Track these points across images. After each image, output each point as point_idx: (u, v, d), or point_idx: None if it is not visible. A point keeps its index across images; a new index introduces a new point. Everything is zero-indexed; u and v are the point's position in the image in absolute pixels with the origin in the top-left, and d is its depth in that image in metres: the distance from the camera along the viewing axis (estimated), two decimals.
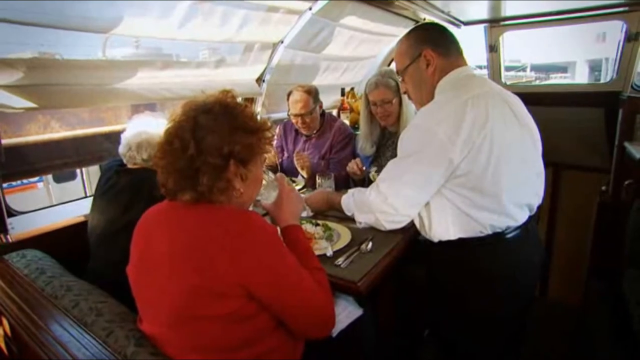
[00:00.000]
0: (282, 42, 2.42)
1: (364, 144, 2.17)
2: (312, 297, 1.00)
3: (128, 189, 1.37)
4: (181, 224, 0.97)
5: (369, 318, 1.45)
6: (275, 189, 1.29)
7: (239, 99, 2.53)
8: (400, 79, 1.46)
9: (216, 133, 0.96)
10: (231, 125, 0.99)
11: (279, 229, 1.23)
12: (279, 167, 2.50)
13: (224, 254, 0.90)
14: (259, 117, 2.65)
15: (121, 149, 1.47)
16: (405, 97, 2.00)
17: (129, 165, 1.47)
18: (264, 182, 1.24)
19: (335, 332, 1.30)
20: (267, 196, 1.29)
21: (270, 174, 1.30)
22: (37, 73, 1.52)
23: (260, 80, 2.55)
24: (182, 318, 0.92)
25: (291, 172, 2.37)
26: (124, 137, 1.47)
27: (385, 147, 2.15)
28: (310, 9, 2.27)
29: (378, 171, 2.02)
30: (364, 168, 2.08)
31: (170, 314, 0.93)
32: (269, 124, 1.08)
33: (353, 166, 2.07)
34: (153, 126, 1.46)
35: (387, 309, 1.67)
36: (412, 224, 1.41)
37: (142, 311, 1.03)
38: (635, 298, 1.62)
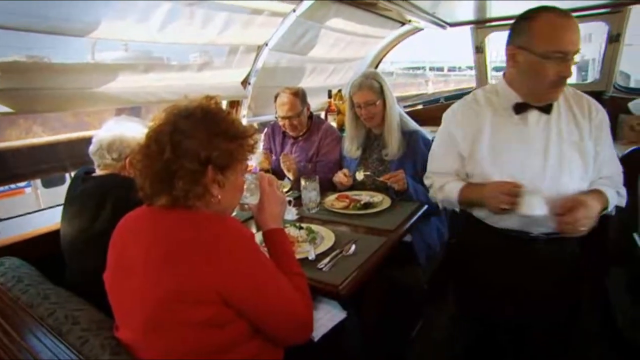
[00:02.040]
0: (266, 44, 2.41)
1: (350, 146, 2.17)
2: (289, 303, 0.99)
3: (93, 196, 1.34)
4: (157, 229, 0.96)
5: (353, 321, 1.44)
6: (256, 193, 1.26)
7: (225, 102, 2.57)
8: None
9: (194, 138, 0.95)
10: (211, 131, 0.97)
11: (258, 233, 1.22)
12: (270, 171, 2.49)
13: (199, 260, 0.88)
14: (245, 120, 2.69)
15: (91, 148, 1.43)
16: (389, 99, 2.01)
17: (98, 170, 1.44)
18: (247, 183, 1.23)
19: (317, 336, 1.29)
20: (250, 198, 1.28)
21: (252, 176, 1.29)
22: (14, 77, 1.49)
23: (245, 83, 2.54)
24: (156, 324, 0.90)
25: (280, 174, 2.36)
26: (96, 136, 1.43)
27: (371, 149, 2.14)
28: (294, 10, 2.26)
29: (366, 173, 2.05)
30: (350, 174, 2.08)
31: (144, 320, 0.92)
32: (253, 130, 1.07)
33: (340, 178, 2.08)
34: (129, 129, 1.43)
35: (371, 312, 1.66)
36: None
37: (118, 318, 1.01)
38: (619, 294, 1.63)
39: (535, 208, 1.18)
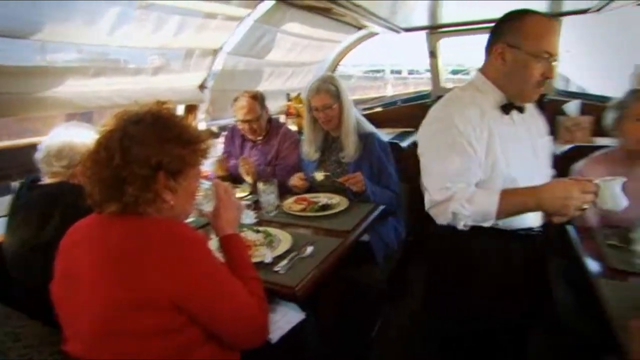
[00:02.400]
0: (222, 48, 2.40)
1: (309, 149, 2.20)
2: (243, 307, 0.99)
3: (40, 205, 1.29)
4: (106, 237, 0.94)
5: (312, 322, 1.47)
6: (211, 200, 1.26)
7: (182, 107, 2.54)
8: None
9: (144, 143, 0.94)
10: (162, 136, 0.96)
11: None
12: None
13: (149, 266, 0.88)
14: (203, 125, 2.65)
15: (39, 155, 1.37)
16: (346, 102, 2.06)
17: (46, 178, 1.39)
18: (202, 191, 1.22)
19: (275, 338, 1.30)
20: (206, 205, 1.27)
21: (208, 183, 1.29)
22: None
23: (202, 86, 2.51)
24: (107, 334, 0.89)
25: (239, 178, 2.35)
26: (43, 142, 1.37)
27: (330, 151, 2.18)
28: (249, 15, 2.27)
29: (326, 173, 2.09)
30: (308, 177, 2.11)
31: (92, 329, 0.90)
32: (206, 135, 1.07)
33: (295, 181, 2.10)
34: (78, 136, 1.39)
35: (329, 312, 1.70)
36: None
37: (66, 330, 0.98)
38: (561, 285, 1.74)
39: (622, 199, 1.15)
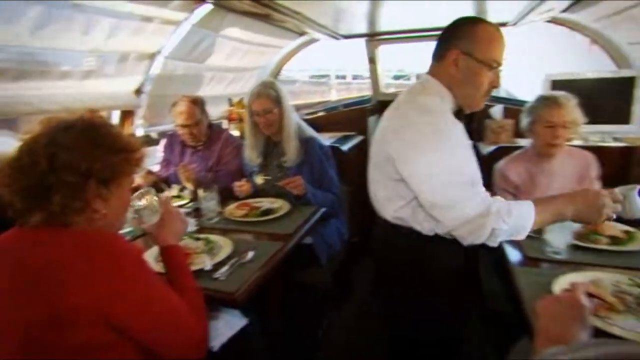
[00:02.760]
0: (160, 52, 2.33)
1: (251, 154, 2.20)
2: (179, 320, 0.98)
3: None
4: (27, 251, 0.89)
5: (255, 327, 1.47)
6: (157, 212, 1.25)
7: (117, 112, 2.43)
8: None
9: (74, 150, 0.90)
10: (93, 143, 0.93)
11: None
12: (165, 182, 2.40)
13: (76, 280, 0.84)
14: (140, 131, 2.55)
15: None
16: (286, 107, 2.09)
17: None
18: (148, 203, 1.22)
19: (216, 345, 1.30)
20: (148, 219, 1.25)
21: (154, 196, 1.28)
22: None
23: (139, 91, 2.42)
24: (29, 353, 0.84)
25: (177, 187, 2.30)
26: None
27: (271, 156, 2.20)
28: (187, 19, 2.23)
29: (266, 177, 2.10)
30: (250, 183, 2.12)
31: (15, 350, 0.85)
32: (139, 144, 1.04)
33: (238, 188, 2.10)
34: None
35: (275, 316, 1.71)
36: None
37: None
38: (491, 276, 1.87)
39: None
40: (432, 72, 1.32)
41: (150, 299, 0.93)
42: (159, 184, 2.33)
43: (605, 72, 2.51)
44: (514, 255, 1.44)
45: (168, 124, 2.58)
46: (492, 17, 2.67)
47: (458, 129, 1.26)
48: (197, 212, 1.94)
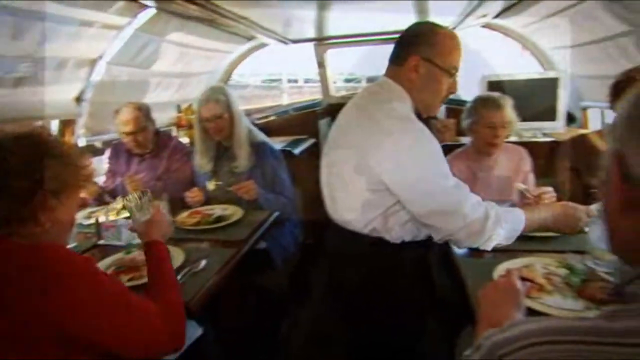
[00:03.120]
0: (101, 58, 2.24)
1: (201, 161, 2.16)
2: (142, 321, 0.96)
3: None
4: None
5: (211, 336, 1.45)
6: (148, 212, 1.37)
7: (56, 122, 2.29)
8: None
9: (25, 156, 0.89)
10: (44, 153, 0.91)
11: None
12: (112, 194, 2.30)
13: (24, 294, 0.82)
14: (83, 140, 2.43)
15: None
16: (236, 112, 2.07)
17: None
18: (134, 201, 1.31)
19: (172, 358, 1.27)
20: (141, 214, 1.38)
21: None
22: None
23: (79, 99, 2.31)
24: None
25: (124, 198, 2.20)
26: None
27: (222, 161, 2.17)
28: (130, 24, 2.16)
29: (217, 183, 2.07)
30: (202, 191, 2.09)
31: None
32: (88, 161, 1.03)
33: (190, 198, 2.06)
34: None
35: (232, 323, 1.69)
36: None
37: None
38: (441, 270, 1.96)
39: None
40: (392, 75, 1.32)
41: (107, 305, 0.91)
42: (103, 195, 2.24)
43: (533, 73, 2.72)
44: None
45: (112, 133, 2.48)
46: (433, 21, 2.81)
47: (429, 132, 1.27)
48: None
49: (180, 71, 2.91)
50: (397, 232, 1.29)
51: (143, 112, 2.21)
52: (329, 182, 1.41)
